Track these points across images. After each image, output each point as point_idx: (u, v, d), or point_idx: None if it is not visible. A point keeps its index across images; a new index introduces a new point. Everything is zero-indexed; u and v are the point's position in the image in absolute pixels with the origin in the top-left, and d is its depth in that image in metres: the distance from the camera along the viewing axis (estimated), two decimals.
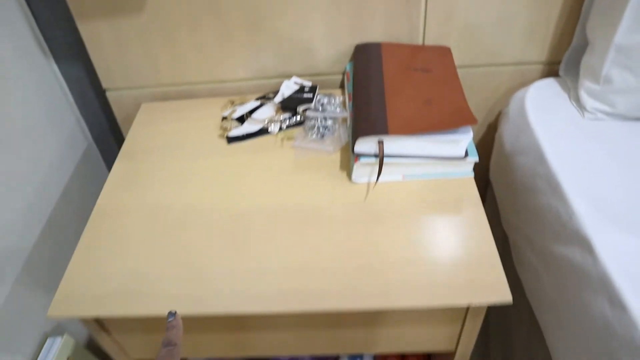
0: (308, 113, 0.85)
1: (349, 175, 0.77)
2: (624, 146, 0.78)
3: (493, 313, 1.07)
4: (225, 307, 0.62)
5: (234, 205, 0.74)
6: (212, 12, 0.87)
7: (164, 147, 0.86)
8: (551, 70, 0.97)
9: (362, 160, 0.73)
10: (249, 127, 0.87)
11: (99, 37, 0.91)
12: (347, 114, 0.85)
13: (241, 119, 0.89)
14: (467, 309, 0.66)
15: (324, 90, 0.94)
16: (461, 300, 0.61)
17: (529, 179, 0.80)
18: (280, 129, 0.87)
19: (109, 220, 0.74)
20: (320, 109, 0.86)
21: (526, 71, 0.98)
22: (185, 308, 0.62)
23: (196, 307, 0.62)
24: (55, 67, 0.99)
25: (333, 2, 0.86)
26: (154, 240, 0.70)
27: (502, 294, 0.60)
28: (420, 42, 0.93)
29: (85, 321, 0.67)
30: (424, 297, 0.61)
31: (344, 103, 0.90)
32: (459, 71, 0.85)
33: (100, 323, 0.69)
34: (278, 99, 0.90)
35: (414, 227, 0.68)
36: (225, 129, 0.88)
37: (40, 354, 0.87)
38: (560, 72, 0.94)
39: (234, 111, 0.91)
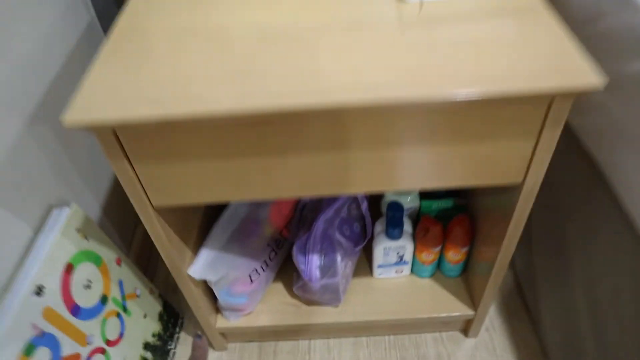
0: None
1: None
2: None
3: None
4: (274, 100, 0.53)
5: (273, 23, 0.65)
6: None
7: None
8: None
9: None
10: None
11: None
12: None
13: None
14: (546, 115, 0.58)
15: None
16: (547, 83, 0.53)
17: (591, 5, 0.73)
18: None
19: (130, 40, 0.65)
20: None
21: None
22: (224, 103, 0.53)
23: (241, 101, 0.53)
24: None
25: None
26: (184, 53, 0.61)
27: (590, 80, 0.52)
28: None
29: (104, 140, 0.58)
30: (503, 83, 0.53)
31: None
32: None
33: (119, 144, 0.59)
34: None
35: (480, 29, 0.61)
36: None
37: (47, 224, 0.77)
38: None
39: None
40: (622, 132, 0.68)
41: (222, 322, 0.97)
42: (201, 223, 0.90)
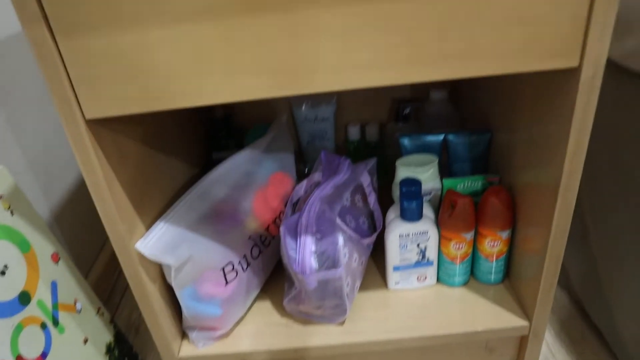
0: None
1: None
2: None
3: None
4: None
5: None
6: None
7: None
8: None
9: None
10: None
11: None
12: None
13: None
14: None
15: None
16: None
17: None
18: None
19: None
20: None
21: None
22: None
23: None
24: None
25: None
26: None
27: None
28: None
29: None
30: None
31: None
32: None
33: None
34: None
35: None
36: None
37: None
38: None
39: None
40: None
41: (188, 350, 0.72)
42: (166, 205, 0.71)
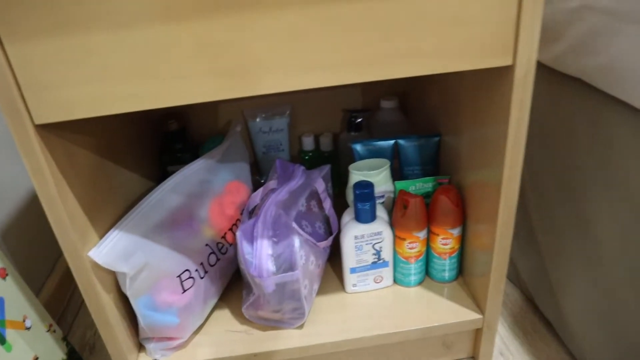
0: None
1: None
2: None
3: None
4: None
5: None
6: None
7: None
8: None
9: None
10: None
11: None
12: None
13: None
14: None
15: None
16: None
17: None
18: None
19: None
20: None
21: None
22: None
23: None
24: None
25: None
26: None
27: None
28: None
29: None
30: None
31: None
32: None
33: None
34: None
35: None
36: None
37: None
38: None
39: None
40: None
41: None
42: (120, 215, 0.70)
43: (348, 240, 0.73)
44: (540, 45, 0.72)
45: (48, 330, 0.72)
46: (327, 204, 0.82)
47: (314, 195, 0.80)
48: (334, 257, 0.81)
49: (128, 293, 0.64)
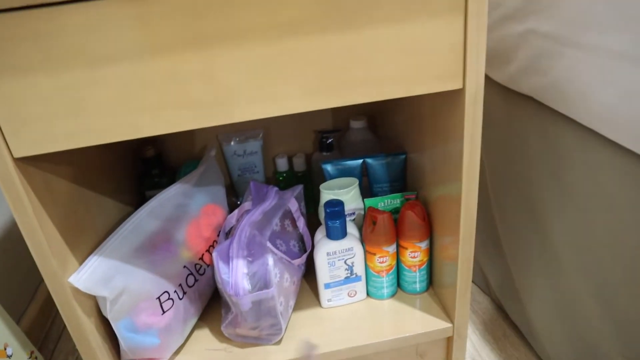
0: None
1: None
2: None
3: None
4: None
5: None
6: None
7: None
8: None
9: None
10: None
11: None
12: None
13: None
14: None
15: None
16: None
17: None
18: None
19: None
20: None
21: None
22: None
23: None
24: None
25: None
26: None
27: None
28: None
29: None
30: None
31: None
32: None
33: None
34: None
35: None
36: None
37: None
38: None
39: None
40: None
41: None
42: (99, 241, 0.72)
43: (321, 256, 0.76)
44: (495, 66, 0.78)
45: (30, 358, 0.74)
46: (301, 223, 0.85)
47: (288, 215, 0.83)
48: (309, 274, 0.84)
49: (109, 316, 0.66)
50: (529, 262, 0.80)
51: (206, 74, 0.52)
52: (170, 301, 0.71)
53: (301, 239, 0.85)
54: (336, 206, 0.75)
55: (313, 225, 0.85)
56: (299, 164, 1.03)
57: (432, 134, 0.71)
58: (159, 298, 0.70)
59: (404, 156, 0.85)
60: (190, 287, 0.75)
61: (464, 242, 0.68)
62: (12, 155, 0.53)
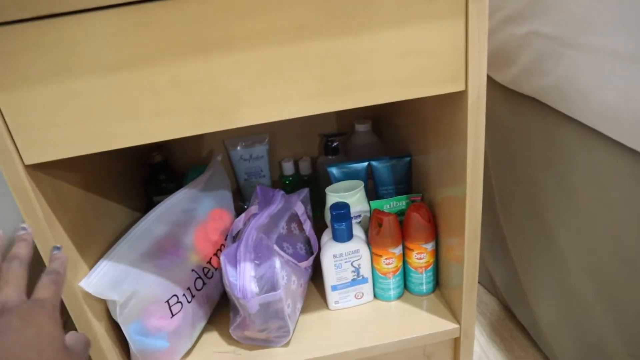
0: None
1: None
2: None
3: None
4: None
5: None
6: None
7: None
8: None
9: None
10: None
11: None
12: None
13: None
14: None
15: None
16: None
17: None
18: None
19: None
20: None
21: None
22: None
23: None
24: None
25: None
26: None
27: None
28: None
29: None
30: None
31: None
32: None
33: None
34: None
35: None
36: None
37: None
38: None
39: None
40: None
41: None
42: (108, 246, 0.73)
43: (327, 259, 0.77)
44: (498, 68, 0.78)
45: None
46: (307, 226, 0.86)
47: (294, 218, 0.84)
48: (316, 276, 0.85)
49: (119, 320, 0.67)
50: (535, 262, 0.80)
51: (210, 79, 0.53)
52: (179, 304, 0.72)
53: (308, 242, 0.85)
54: (342, 208, 0.76)
55: (319, 228, 0.86)
56: (305, 167, 1.03)
57: (436, 136, 0.72)
58: (167, 301, 0.71)
59: (408, 159, 0.85)
60: (198, 290, 0.76)
61: (470, 243, 0.68)
62: (23, 162, 0.54)
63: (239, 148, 1.02)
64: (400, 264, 0.80)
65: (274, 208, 0.81)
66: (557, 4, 0.65)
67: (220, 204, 0.86)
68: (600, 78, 0.58)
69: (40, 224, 0.58)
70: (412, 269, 0.80)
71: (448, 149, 0.68)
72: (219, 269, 0.81)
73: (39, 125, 0.53)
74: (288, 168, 1.03)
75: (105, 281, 0.64)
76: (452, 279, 0.76)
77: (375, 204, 0.82)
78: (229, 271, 0.71)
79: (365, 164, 0.86)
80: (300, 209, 0.85)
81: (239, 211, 0.89)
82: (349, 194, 0.81)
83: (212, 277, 0.79)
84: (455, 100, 0.61)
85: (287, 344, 0.76)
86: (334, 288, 0.79)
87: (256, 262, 0.71)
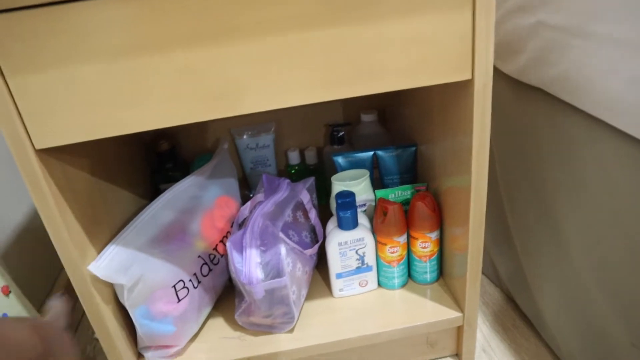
0: None
1: None
2: None
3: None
4: None
5: None
6: None
7: None
8: None
9: None
10: None
11: None
12: None
13: None
14: None
15: None
16: None
17: None
18: None
19: None
20: None
21: None
22: None
23: None
24: None
25: None
26: None
27: None
28: None
29: None
30: None
31: None
32: None
33: None
34: None
35: None
36: None
37: None
38: None
39: None
40: None
41: None
42: (116, 232, 0.74)
43: (332, 247, 0.77)
44: (505, 58, 0.78)
45: None
46: (313, 214, 0.86)
47: (300, 206, 0.85)
48: (321, 264, 0.85)
49: (126, 304, 0.68)
50: (539, 252, 0.80)
51: (215, 66, 0.53)
52: (185, 290, 0.73)
53: (313, 230, 0.86)
54: (347, 197, 0.76)
55: (325, 216, 0.86)
56: (311, 157, 1.04)
57: (442, 126, 0.72)
58: (174, 287, 0.72)
59: (414, 148, 0.86)
60: (204, 276, 0.77)
61: (474, 233, 0.69)
62: (34, 147, 0.55)
63: (245, 137, 1.03)
64: (405, 252, 0.80)
65: (279, 196, 0.82)
66: None
67: (227, 192, 0.87)
68: (605, 67, 0.58)
69: (50, 208, 0.58)
70: (417, 258, 0.81)
71: (453, 139, 0.68)
72: (224, 255, 0.82)
73: (50, 110, 0.53)
74: (294, 157, 1.03)
75: (114, 265, 0.65)
76: (456, 268, 0.77)
77: (381, 192, 0.82)
78: (235, 257, 0.72)
79: (371, 153, 0.87)
80: (305, 197, 0.86)
81: (245, 199, 0.90)
82: (354, 183, 0.82)
83: (218, 263, 0.80)
84: (461, 89, 0.62)
85: (291, 330, 0.77)
86: (339, 276, 0.80)
87: (262, 248, 0.72)
